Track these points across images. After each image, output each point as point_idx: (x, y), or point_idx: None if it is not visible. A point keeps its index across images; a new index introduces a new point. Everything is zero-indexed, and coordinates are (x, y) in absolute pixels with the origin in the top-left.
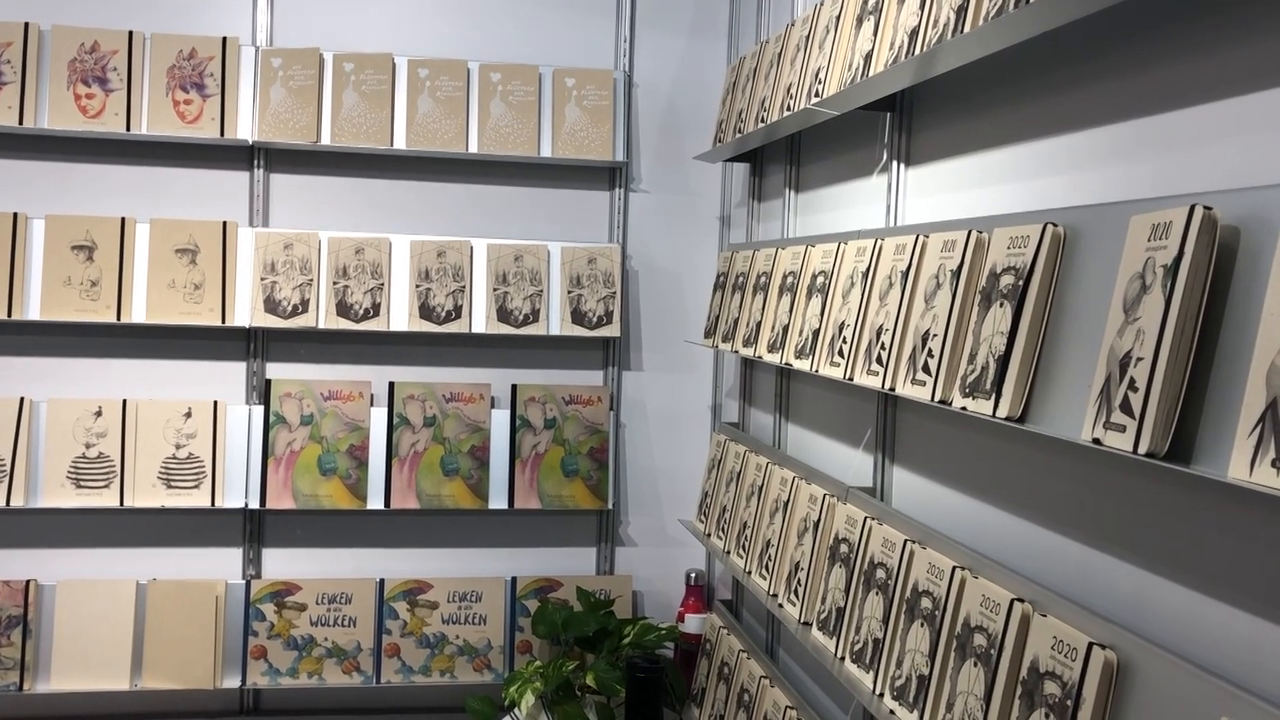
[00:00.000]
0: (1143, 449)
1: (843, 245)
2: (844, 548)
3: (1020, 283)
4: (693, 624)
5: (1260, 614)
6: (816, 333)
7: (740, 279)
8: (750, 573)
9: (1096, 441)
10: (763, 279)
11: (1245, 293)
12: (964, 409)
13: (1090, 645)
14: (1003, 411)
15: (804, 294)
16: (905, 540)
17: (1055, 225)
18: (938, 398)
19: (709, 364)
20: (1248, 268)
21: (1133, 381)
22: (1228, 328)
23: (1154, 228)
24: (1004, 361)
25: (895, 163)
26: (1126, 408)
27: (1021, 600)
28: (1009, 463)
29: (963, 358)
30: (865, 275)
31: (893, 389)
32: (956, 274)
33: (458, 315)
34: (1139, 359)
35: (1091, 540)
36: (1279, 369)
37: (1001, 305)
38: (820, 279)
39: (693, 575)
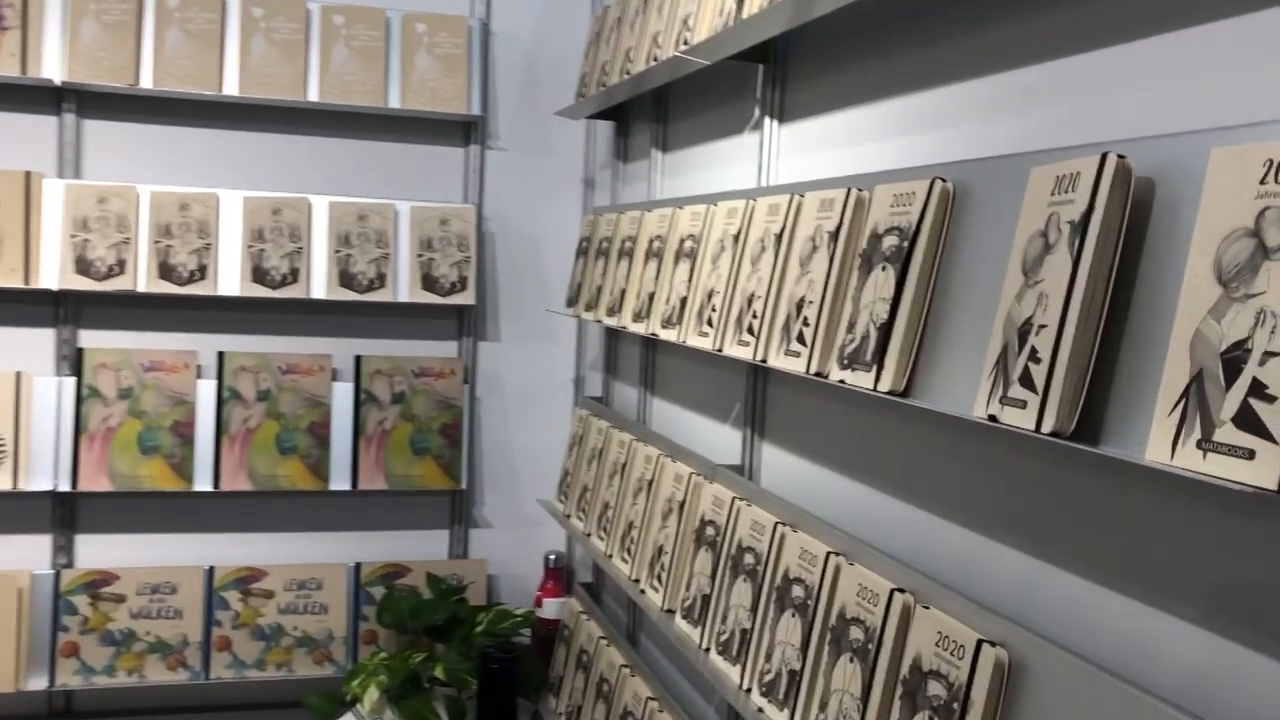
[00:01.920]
0: (1046, 427)
1: (712, 207)
2: (710, 530)
3: (905, 244)
4: (551, 609)
5: (1166, 608)
6: (684, 301)
7: (604, 243)
8: (611, 556)
9: (993, 419)
10: (628, 244)
11: (1162, 251)
12: (842, 382)
13: (979, 643)
14: (885, 385)
15: (671, 259)
16: (776, 523)
17: (944, 181)
18: (813, 370)
19: (571, 334)
20: (1165, 223)
21: (1034, 352)
22: (1142, 291)
23: (1059, 180)
24: (886, 330)
25: (768, 119)
26: (1027, 381)
27: (902, 591)
28: (891, 440)
29: (841, 326)
30: (736, 239)
31: (765, 360)
32: (834, 236)
33: (295, 279)
34: (1041, 326)
35: (982, 526)
36: (1204, 338)
37: (884, 269)
38: (689, 243)
39: (551, 557)
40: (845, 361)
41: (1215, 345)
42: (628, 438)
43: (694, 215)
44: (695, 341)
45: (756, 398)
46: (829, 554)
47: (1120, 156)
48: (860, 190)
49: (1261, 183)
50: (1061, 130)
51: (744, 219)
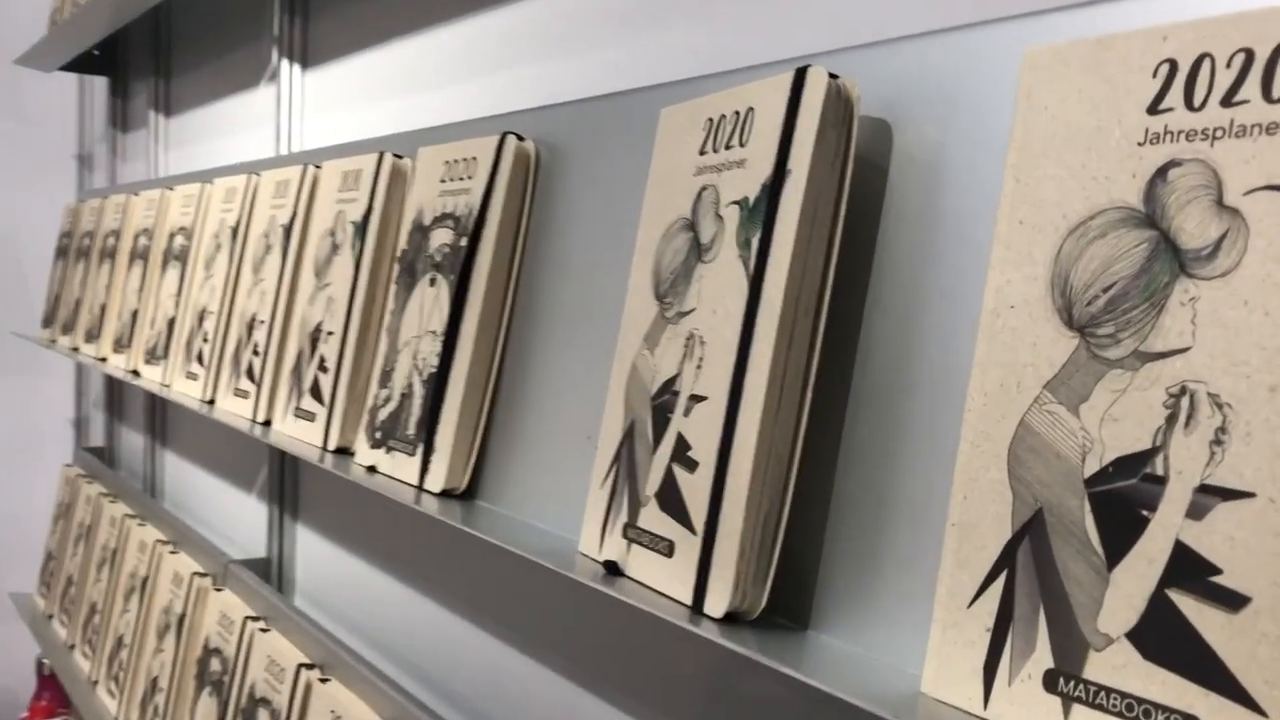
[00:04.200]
0: (717, 605)
1: (208, 188)
2: (216, 664)
3: (463, 241)
4: None
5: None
6: (172, 323)
7: (86, 241)
8: (97, 683)
9: (614, 569)
10: (110, 240)
11: (914, 249)
12: (373, 469)
13: None
14: (436, 481)
15: (158, 263)
16: (300, 665)
17: (520, 138)
18: (332, 444)
19: (69, 363)
20: (917, 200)
21: (683, 446)
22: (876, 341)
23: (713, 125)
24: (438, 386)
25: (288, 63)
26: (671, 502)
27: None
28: (464, 538)
29: (374, 376)
30: (234, 233)
31: (269, 423)
32: (362, 228)
33: None
34: (698, 398)
35: (594, 685)
36: (1024, 461)
37: (434, 283)
38: (179, 240)
39: (47, 663)
40: (378, 434)
41: (1075, 465)
42: (121, 512)
43: (186, 200)
44: (182, 387)
45: (285, 463)
46: None
47: (832, 76)
48: (398, 156)
49: (1153, 109)
50: (744, 44)
51: (244, 204)
